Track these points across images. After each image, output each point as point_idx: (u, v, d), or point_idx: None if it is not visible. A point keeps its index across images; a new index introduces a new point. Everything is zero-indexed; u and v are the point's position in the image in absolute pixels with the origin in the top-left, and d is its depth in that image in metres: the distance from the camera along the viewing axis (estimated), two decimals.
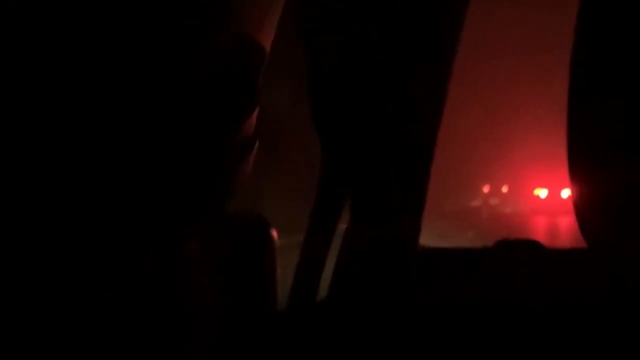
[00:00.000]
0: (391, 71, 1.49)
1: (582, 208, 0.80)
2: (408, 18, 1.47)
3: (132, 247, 0.69)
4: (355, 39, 1.45)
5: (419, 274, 1.66)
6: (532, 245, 1.73)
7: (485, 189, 26.09)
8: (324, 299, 1.65)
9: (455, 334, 1.53)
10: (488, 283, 1.62)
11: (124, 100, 0.65)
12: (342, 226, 1.65)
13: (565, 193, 24.33)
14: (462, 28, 1.51)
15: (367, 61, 1.47)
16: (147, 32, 0.64)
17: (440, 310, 1.58)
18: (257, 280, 1.32)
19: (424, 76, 1.51)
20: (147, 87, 0.65)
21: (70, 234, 0.65)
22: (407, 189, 1.63)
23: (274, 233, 1.48)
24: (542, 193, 24.99)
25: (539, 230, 18.33)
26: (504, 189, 27.12)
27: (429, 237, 1.81)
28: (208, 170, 0.71)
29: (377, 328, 1.57)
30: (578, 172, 0.80)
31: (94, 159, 0.65)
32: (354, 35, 1.45)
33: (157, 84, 0.65)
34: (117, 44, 0.64)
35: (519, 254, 1.70)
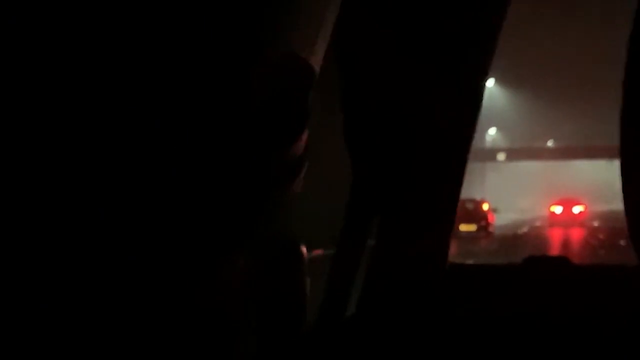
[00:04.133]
0: (424, 92, 1.49)
1: (636, 222, 0.79)
2: (441, 49, 1.48)
3: (182, 265, 0.69)
4: (391, 63, 1.46)
5: (448, 290, 1.65)
6: (561, 262, 1.72)
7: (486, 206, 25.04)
8: (352, 315, 1.64)
9: (485, 351, 1.52)
10: (517, 300, 1.61)
11: (175, 121, 0.65)
12: (371, 242, 1.65)
13: (577, 209, 26.92)
14: (492, 58, 1.52)
15: (402, 83, 1.48)
16: (198, 52, 0.64)
17: (470, 327, 1.57)
18: (286, 298, 1.31)
19: (457, 98, 1.52)
20: (200, 107, 0.65)
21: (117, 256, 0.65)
22: (437, 206, 1.63)
23: (304, 249, 1.47)
24: (557, 209, 27.70)
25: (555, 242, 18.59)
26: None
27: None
28: (259, 190, 0.71)
29: (406, 345, 1.56)
30: (633, 184, 0.79)
31: (139, 178, 0.65)
32: (390, 58, 1.46)
33: (209, 103, 0.65)
34: (168, 65, 0.64)
35: (548, 271, 1.69)
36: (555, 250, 18.85)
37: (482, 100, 1.56)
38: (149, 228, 0.65)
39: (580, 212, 27.73)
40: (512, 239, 21.91)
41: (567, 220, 26.83)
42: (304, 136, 0.73)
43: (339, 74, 1.49)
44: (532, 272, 1.69)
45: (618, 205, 0.84)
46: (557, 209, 28.40)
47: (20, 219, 0.60)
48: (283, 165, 0.72)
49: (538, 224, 27.28)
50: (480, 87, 1.54)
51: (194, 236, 0.69)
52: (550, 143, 39.14)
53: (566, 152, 36.01)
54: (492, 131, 37.45)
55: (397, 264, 1.63)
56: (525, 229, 25.58)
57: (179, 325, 0.72)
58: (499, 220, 25.37)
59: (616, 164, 0.81)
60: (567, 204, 28.40)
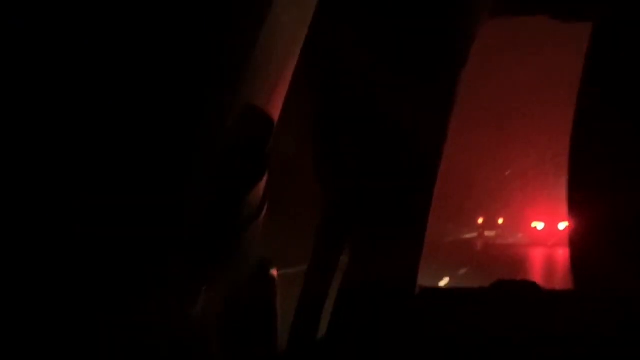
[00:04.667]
0: (391, 117, 1.52)
1: (577, 241, 0.81)
2: (409, 69, 1.50)
3: (140, 297, 0.70)
4: (358, 91, 1.48)
5: (418, 313, 1.67)
6: (529, 286, 1.75)
7: (480, 220, 25.88)
8: (323, 337, 1.66)
9: None
10: (485, 323, 1.63)
11: (143, 172, 0.67)
12: (343, 258, 1.67)
13: (563, 225, 25.17)
14: (460, 81, 1.55)
15: (369, 110, 1.50)
16: (161, 105, 0.66)
17: (438, 349, 1.59)
18: (258, 321, 1.33)
19: (424, 123, 1.54)
20: (164, 159, 0.67)
21: (79, 283, 0.67)
22: (405, 231, 1.65)
23: (274, 272, 1.48)
24: (539, 225, 26.39)
25: (536, 261, 17.81)
26: (500, 221, 27.18)
27: (427, 270, 1.82)
28: (220, 230, 0.73)
29: None
30: (577, 205, 0.82)
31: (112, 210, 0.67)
32: (358, 87, 1.49)
33: (173, 155, 0.68)
34: (136, 119, 0.66)
35: (515, 295, 1.71)
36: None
37: (446, 136, 1.59)
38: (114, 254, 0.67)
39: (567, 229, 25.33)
40: None
41: (551, 239, 24.76)
42: (263, 181, 0.77)
43: (312, 99, 1.51)
44: (500, 296, 1.71)
45: None
46: (539, 225, 27.26)
47: None
48: (246, 205, 0.76)
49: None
50: (444, 121, 1.58)
51: (158, 268, 0.70)
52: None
53: None
54: None
55: (366, 288, 1.65)
56: None
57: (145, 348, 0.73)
58: None
59: None
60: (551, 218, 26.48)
